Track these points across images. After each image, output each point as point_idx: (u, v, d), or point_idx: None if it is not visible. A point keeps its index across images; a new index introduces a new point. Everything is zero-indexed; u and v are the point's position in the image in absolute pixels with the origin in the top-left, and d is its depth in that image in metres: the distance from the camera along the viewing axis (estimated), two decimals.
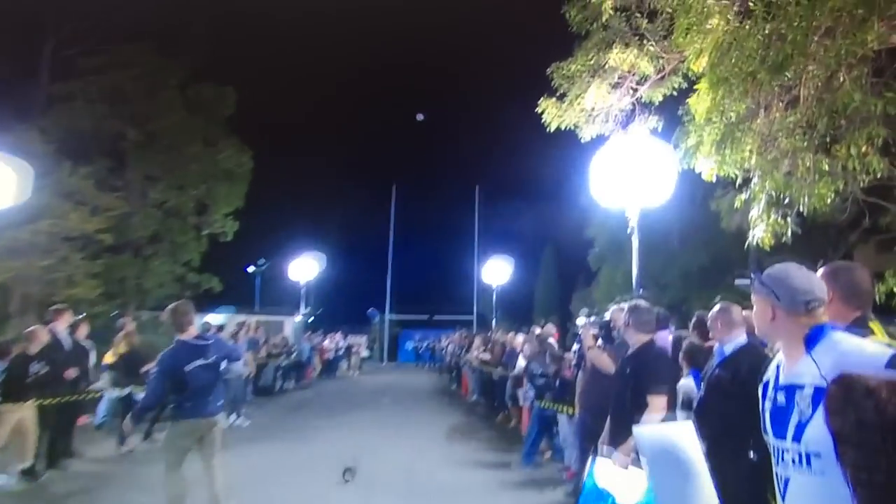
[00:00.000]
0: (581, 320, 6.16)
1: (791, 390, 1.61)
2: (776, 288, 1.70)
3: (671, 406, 3.79)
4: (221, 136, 17.39)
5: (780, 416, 1.62)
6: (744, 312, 3.52)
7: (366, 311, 32.77)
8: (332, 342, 22.26)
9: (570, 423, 6.13)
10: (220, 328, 11.02)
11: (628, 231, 7.15)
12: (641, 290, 7.18)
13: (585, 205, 19.32)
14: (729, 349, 3.48)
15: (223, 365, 4.65)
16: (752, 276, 1.79)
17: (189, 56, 16.39)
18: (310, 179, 41.07)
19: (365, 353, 25.79)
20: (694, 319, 4.73)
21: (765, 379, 1.78)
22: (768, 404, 1.70)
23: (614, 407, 3.91)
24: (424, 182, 47.03)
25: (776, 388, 1.69)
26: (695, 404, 3.51)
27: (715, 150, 5.75)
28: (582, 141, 8.35)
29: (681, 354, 4.30)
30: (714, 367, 3.49)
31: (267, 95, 29.78)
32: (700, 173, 6.34)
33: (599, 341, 5.20)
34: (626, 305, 4.34)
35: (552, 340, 9.23)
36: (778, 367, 1.73)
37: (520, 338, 10.78)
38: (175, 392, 4.35)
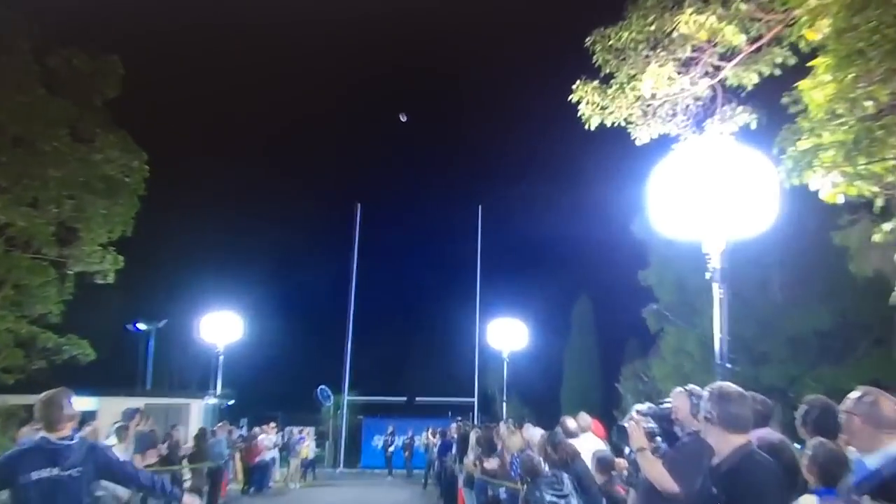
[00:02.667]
0: (640, 407, 6.09)
1: None
2: None
3: None
4: (100, 127, 17.12)
5: None
6: None
7: (313, 390, 32.41)
8: (263, 438, 21.88)
9: None
10: (89, 417, 10.69)
11: (707, 276, 7.08)
12: (728, 365, 7.09)
13: (640, 237, 19.43)
14: (875, 463, 3.35)
15: (90, 481, 4.59)
16: None
17: (56, 12, 16.39)
18: (232, 198, 41.14)
19: (311, 452, 25.35)
20: (804, 411, 4.69)
21: None
22: None
23: None
24: (403, 201, 47.15)
25: None
26: None
27: (842, 159, 5.69)
28: (636, 144, 8.34)
29: (806, 462, 4.17)
30: (853, 490, 3.36)
31: (174, 78, 30.10)
32: (816, 192, 6.29)
33: (657, 441, 5.09)
34: (697, 388, 4.39)
35: (592, 438, 9.05)
36: None
37: (532, 433, 10.60)
38: None
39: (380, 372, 34.02)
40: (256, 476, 20.96)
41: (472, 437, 14.45)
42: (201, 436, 17.14)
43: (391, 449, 29.26)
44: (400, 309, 38.33)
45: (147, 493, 5.07)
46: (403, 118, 33.21)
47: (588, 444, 8.63)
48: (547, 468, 8.29)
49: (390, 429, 29.73)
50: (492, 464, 12.35)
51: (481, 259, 32.08)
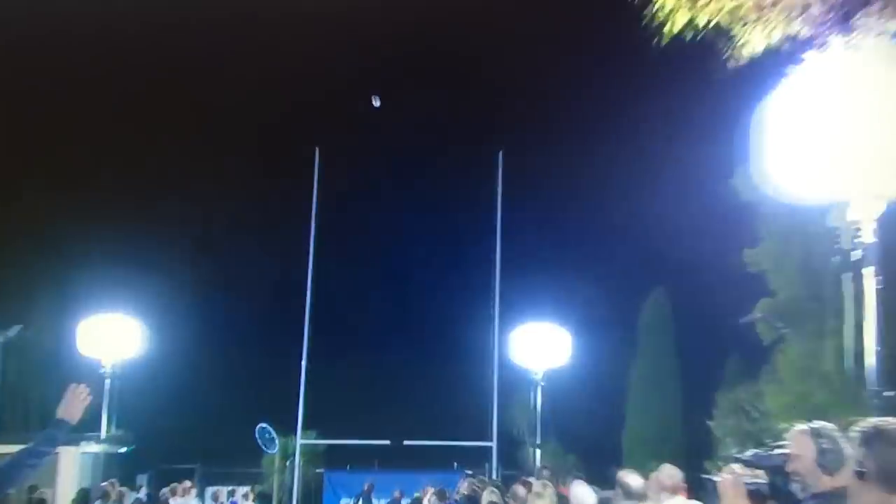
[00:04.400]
0: (742, 454, 6.15)
1: None
2: None
3: None
4: None
5: None
6: None
7: (250, 431, 32.41)
8: (175, 503, 21.96)
9: None
10: None
11: (853, 256, 7.00)
12: (888, 392, 7.08)
13: (744, 200, 19.23)
14: None
15: None
16: None
17: None
18: (128, 152, 40.55)
19: None
20: None
21: None
22: None
23: None
24: (382, 145, 46.19)
25: None
26: None
27: None
28: (733, 63, 8.24)
29: None
30: None
31: None
32: None
33: None
34: (827, 427, 4.56)
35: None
36: None
37: (580, 494, 10.54)
38: None
39: (350, 403, 34.04)
40: None
41: (486, 499, 14.35)
42: (81, 500, 17.03)
43: None
44: (380, 309, 38.33)
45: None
46: (376, 102, 32.96)
47: None
48: None
49: (367, 486, 29.73)
50: None
51: (502, 233, 31.96)
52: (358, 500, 29.72)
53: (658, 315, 34.72)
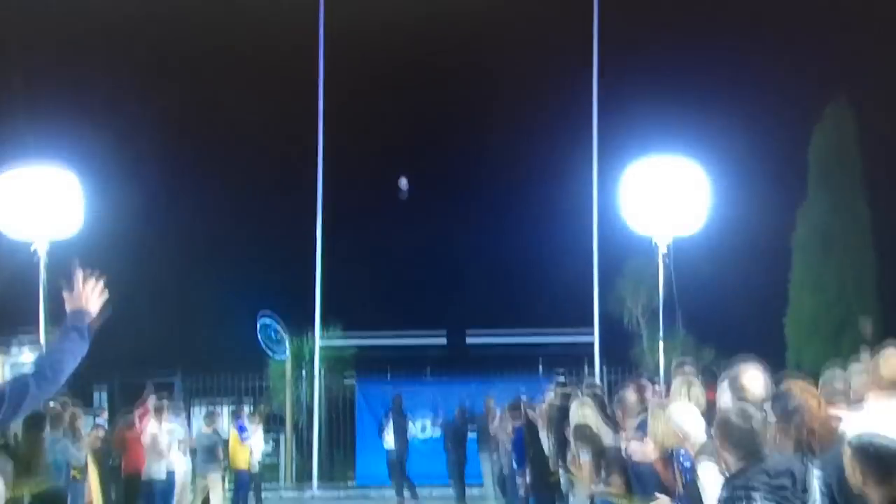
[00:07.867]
0: None
1: None
2: None
3: None
4: None
5: None
6: None
7: (247, 327, 32.47)
8: (150, 428, 22.31)
9: None
10: None
11: None
12: None
13: None
14: None
15: None
16: None
17: None
18: None
19: (258, 451, 25.87)
20: None
21: None
22: None
23: None
24: None
25: None
26: None
27: None
28: None
29: None
30: None
31: None
32: None
33: None
34: None
35: None
36: None
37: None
38: None
39: (387, 285, 34.69)
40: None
41: (577, 414, 14.24)
42: (33, 430, 16.94)
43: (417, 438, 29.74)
44: (428, 149, 38.02)
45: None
46: (403, 186, 32.99)
47: None
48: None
49: (394, 400, 29.97)
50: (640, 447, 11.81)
51: (599, 31, 31.70)
52: (387, 417, 29.85)
53: (838, 140, 33.67)
